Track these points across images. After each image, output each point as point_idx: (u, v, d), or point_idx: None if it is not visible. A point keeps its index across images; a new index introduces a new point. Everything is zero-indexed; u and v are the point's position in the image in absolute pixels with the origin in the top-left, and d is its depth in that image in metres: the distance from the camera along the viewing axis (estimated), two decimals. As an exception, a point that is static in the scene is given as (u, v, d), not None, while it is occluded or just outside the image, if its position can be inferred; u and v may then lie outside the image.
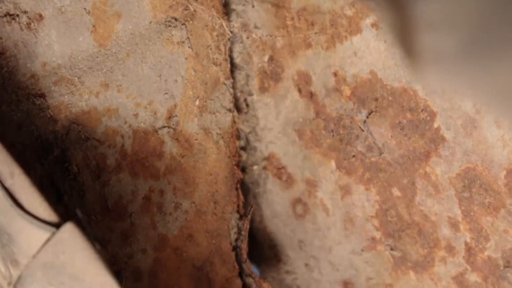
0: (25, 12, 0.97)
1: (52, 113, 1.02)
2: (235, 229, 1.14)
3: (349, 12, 1.06)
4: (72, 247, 0.77)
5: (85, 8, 1.01)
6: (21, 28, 0.97)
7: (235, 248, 1.14)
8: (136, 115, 1.07)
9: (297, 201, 1.21)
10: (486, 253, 1.00)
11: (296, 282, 1.27)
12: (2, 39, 0.99)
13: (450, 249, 1.05)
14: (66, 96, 1.02)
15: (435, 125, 0.98)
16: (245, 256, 1.13)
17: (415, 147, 1.02)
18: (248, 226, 1.13)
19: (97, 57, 1.07)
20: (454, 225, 1.03)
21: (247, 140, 1.25)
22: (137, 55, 1.11)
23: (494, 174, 0.96)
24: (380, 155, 1.06)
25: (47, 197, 0.79)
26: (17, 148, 0.89)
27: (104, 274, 0.76)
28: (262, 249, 1.28)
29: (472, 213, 1.00)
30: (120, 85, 1.06)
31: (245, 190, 1.24)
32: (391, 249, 1.12)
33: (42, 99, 1.01)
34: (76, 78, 1.04)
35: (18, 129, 0.96)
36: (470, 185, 0.99)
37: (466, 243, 1.02)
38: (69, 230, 0.76)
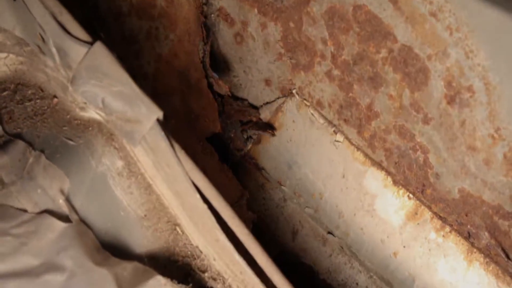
0: None
1: None
2: (202, 51, 1.38)
3: None
4: (101, 55, 0.95)
5: None
6: None
7: (202, 61, 1.37)
8: None
9: (237, 34, 1.41)
10: (342, 57, 1.25)
11: (239, 81, 1.48)
12: None
13: (322, 56, 1.28)
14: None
15: None
16: (208, 66, 1.37)
17: None
18: (209, 49, 1.37)
19: None
20: (324, 42, 1.25)
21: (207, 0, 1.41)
22: None
23: (346, 8, 1.17)
24: (282, 2, 1.25)
25: (85, 27, 0.96)
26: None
27: (119, 70, 0.96)
28: (219, 64, 1.45)
29: (334, 34, 1.23)
30: None
31: (207, 29, 1.41)
32: (290, 59, 1.33)
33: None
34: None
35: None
36: (332, 16, 1.20)
37: (331, 52, 1.25)
38: (99, 45, 0.94)
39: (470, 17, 1.00)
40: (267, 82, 1.42)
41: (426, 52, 1.08)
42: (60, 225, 1.02)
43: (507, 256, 1.13)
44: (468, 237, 1.19)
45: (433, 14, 1.04)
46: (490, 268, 1.17)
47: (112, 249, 1.08)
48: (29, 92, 1.12)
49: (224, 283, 1.12)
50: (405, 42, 1.11)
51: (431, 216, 1.23)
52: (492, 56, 1.00)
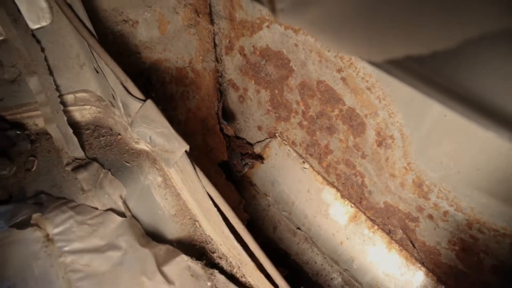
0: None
1: (144, 59, 1.17)
2: (217, 106, 1.37)
3: (256, 18, 1.18)
4: (150, 108, 0.95)
5: None
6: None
7: (217, 113, 1.37)
8: (176, 61, 1.25)
9: (240, 96, 1.39)
10: (309, 113, 1.22)
11: (240, 127, 1.45)
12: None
13: (296, 112, 1.26)
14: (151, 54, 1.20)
15: (290, 64, 1.18)
16: (220, 116, 1.37)
17: (283, 74, 1.22)
18: (221, 105, 1.37)
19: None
20: (297, 103, 1.24)
21: (221, 73, 1.40)
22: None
23: (312, 82, 1.16)
24: (270, 77, 1.25)
25: (141, 90, 0.96)
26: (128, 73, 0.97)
27: (162, 118, 0.95)
28: (228, 115, 1.44)
29: (304, 99, 1.21)
30: (170, 49, 1.24)
31: (220, 92, 1.41)
32: (275, 113, 1.31)
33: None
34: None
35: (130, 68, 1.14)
36: (303, 87, 1.18)
37: (302, 110, 1.24)
38: (149, 102, 0.95)
39: (392, 91, 1.00)
40: (259, 128, 1.41)
41: (364, 112, 1.09)
42: (119, 219, 1.02)
43: (413, 246, 1.13)
44: (389, 233, 1.19)
45: (369, 88, 1.05)
46: (403, 253, 1.16)
47: (152, 236, 1.08)
48: (103, 131, 1.12)
49: (226, 260, 1.10)
50: (350, 105, 1.11)
51: (365, 219, 1.22)
52: (406, 116, 1.01)
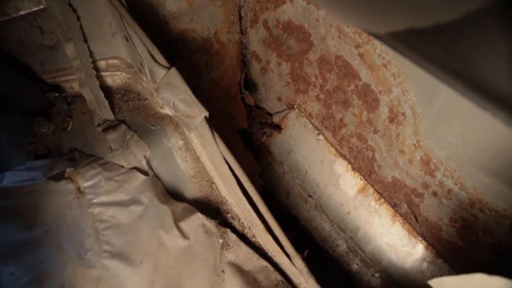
0: None
1: (171, 29, 1.19)
2: (239, 77, 1.36)
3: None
4: (174, 75, 0.97)
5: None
6: None
7: (239, 83, 1.36)
8: (202, 32, 1.25)
9: (262, 68, 1.38)
10: (326, 87, 1.21)
11: (261, 97, 1.45)
12: None
13: (314, 85, 1.25)
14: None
15: (311, 39, 1.17)
16: (242, 86, 1.36)
17: (303, 47, 1.20)
18: (244, 76, 1.36)
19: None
20: (316, 77, 1.23)
21: (245, 45, 1.39)
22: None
23: (330, 57, 1.14)
24: (291, 50, 1.24)
25: (167, 58, 0.97)
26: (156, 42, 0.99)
27: (184, 85, 0.97)
28: (250, 85, 1.43)
29: (322, 73, 1.20)
30: (196, 20, 1.23)
31: (244, 63, 1.40)
32: (294, 86, 1.30)
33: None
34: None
35: (158, 37, 1.16)
36: (322, 61, 1.18)
37: (320, 84, 1.23)
38: (173, 70, 0.96)
39: (407, 69, 0.99)
40: (279, 99, 1.41)
41: (378, 89, 1.08)
42: (142, 177, 1.07)
43: (416, 220, 1.15)
44: (394, 206, 1.20)
45: (384, 65, 1.04)
46: (406, 226, 1.18)
47: (172, 194, 1.12)
48: (132, 95, 1.16)
49: (239, 221, 1.14)
50: (366, 81, 1.11)
51: (373, 191, 1.23)
52: (418, 95, 1.00)
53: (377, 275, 1.22)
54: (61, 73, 1.10)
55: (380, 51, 1.03)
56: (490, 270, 0.95)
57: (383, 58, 1.04)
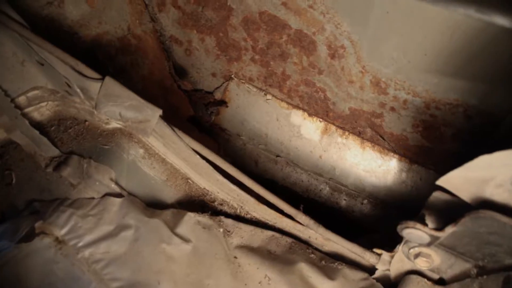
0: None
1: (83, 38, 1.10)
2: (168, 65, 1.30)
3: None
4: (111, 84, 0.93)
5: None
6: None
7: (170, 72, 1.30)
8: (116, 31, 1.16)
9: (186, 49, 1.32)
10: (259, 47, 1.19)
11: (195, 79, 1.39)
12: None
13: (246, 49, 1.23)
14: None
15: (228, 4, 1.14)
16: (173, 74, 1.30)
17: (223, 15, 1.17)
18: (171, 64, 1.29)
19: None
20: (245, 40, 1.21)
21: (160, 32, 1.31)
22: None
23: (254, 15, 1.13)
24: (211, 22, 1.20)
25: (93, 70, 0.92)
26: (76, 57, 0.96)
27: (126, 91, 0.93)
28: (180, 71, 1.36)
29: (250, 34, 1.18)
30: (105, 21, 1.20)
31: (167, 51, 1.33)
32: (225, 56, 1.28)
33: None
34: None
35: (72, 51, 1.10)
36: (246, 23, 1.15)
37: (251, 45, 1.20)
38: (108, 78, 0.92)
39: (333, 3, 1.01)
40: (213, 74, 1.39)
41: (311, 31, 1.10)
42: (118, 200, 1.01)
43: (383, 138, 1.22)
44: (359, 134, 1.26)
45: (311, 6, 1.05)
46: (376, 148, 1.25)
47: (154, 206, 1.07)
48: (68, 123, 1.06)
49: (228, 205, 1.13)
50: (297, 27, 1.11)
51: (336, 128, 1.28)
52: (351, 24, 1.04)
53: (365, 201, 1.30)
54: (-23, 126, 0.96)
55: (302, -7, 1.04)
56: (458, 158, 1.06)
57: (307, 0, 1.05)
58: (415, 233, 0.78)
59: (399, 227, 0.79)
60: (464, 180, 0.70)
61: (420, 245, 0.79)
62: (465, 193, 0.71)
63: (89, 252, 0.90)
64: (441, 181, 0.71)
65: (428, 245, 0.79)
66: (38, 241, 0.89)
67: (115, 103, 0.96)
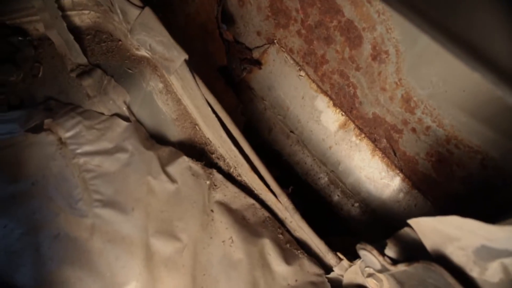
0: None
1: None
2: (216, 10, 1.30)
3: None
4: (149, 16, 0.95)
5: None
6: None
7: (216, 17, 1.30)
8: None
9: (240, 0, 1.32)
10: (308, 22, 1.19)
11: (240, 32, 1.39)
12: None
13: (295, 20, 1.22)
14: None
15: None
16: (219, 20, 1.31)
17: None
18: (221, 9, 1.30)
19: None
20: (297, 11, 1.19)
21: None
22: None
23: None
24: None
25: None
26: None
27: (160, 26, 0.94)
28: (227, 19, 1.38)
29: (303, 7, 1.16)
30: None
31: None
32: (274, 20, 1.27)
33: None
34: None
35: None
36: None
37: (301, 18, 1.20)
38: (147, 9, 0.95)
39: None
40: (258, 33, 1.37)
41: (362, 25, 1.07)
42: (124, 123, 1.06)
43: (395, 154, 1.21)
44: (374, 141, 1.25)
45: (369, 1, 1.02)
46: (384, 160, 1.24)
47: (156, 138, 1.13)
48: (104, 36, 1.10)
49: (224, 161, 1.17)
50: (349, 17, 1.08)
51: (354, 127, 1.27)
52: (402, 33, 1.00)
53: (356, 205, 1.31)
54: (21, 14, 1.01)
55: (365, -15, 1.00)
56: (461, 201, 1.04)
57: (368, -8, 1.01)
58: (369, 257, 0.81)
59: (358, 246, 0.82)
60: (432, 229, 0.70)
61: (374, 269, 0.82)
62: (429, 242, 0.72)
63: (83, 160, 0.98)
64: (412, 222, 0.72)
65: (379, 272, 0.82)
66: (44, 136, 0.97)
67: (147, 34, 0.98)
